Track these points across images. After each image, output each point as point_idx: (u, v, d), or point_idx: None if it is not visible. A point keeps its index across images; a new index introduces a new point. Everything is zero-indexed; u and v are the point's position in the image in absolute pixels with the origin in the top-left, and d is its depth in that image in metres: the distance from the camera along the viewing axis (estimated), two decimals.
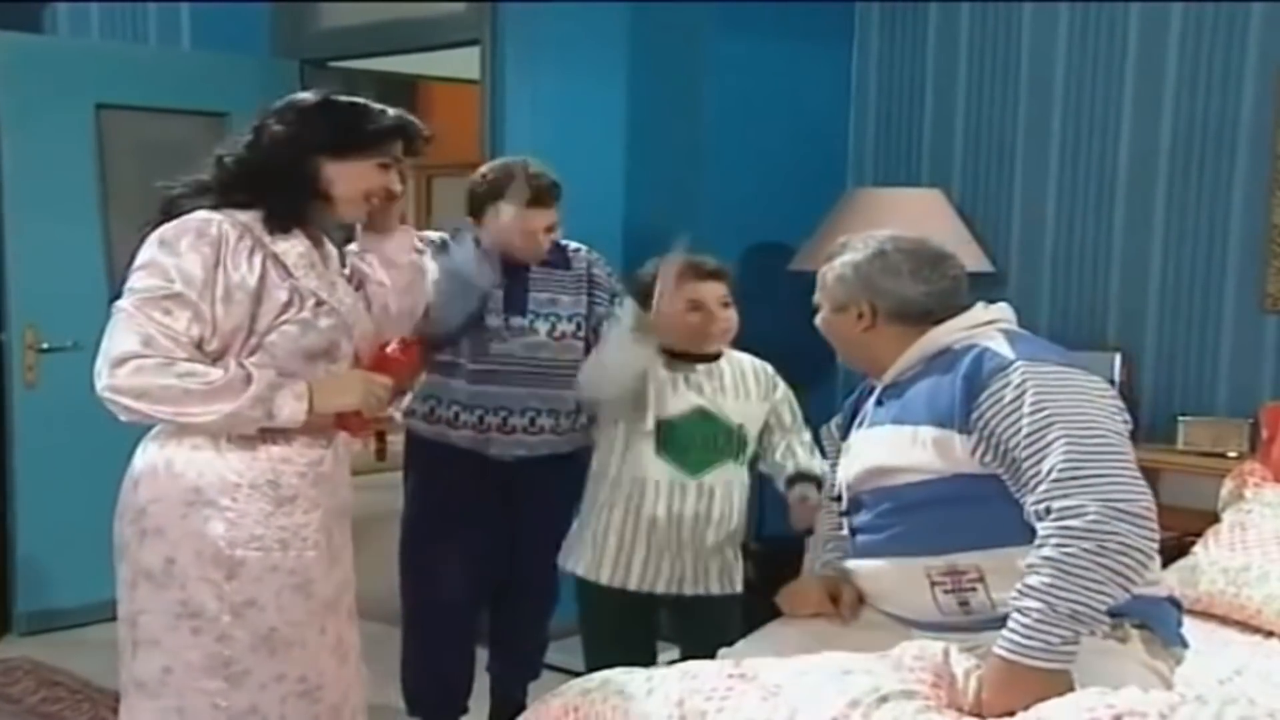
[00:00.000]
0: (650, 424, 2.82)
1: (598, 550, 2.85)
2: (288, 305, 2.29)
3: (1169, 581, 2.30)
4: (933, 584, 2.17)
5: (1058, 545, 1.96)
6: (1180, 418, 3.79)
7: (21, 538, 4.34)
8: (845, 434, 2.49)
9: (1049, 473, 2.00)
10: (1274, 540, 3.12)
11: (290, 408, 2.26)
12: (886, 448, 2.25)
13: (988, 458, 2.11)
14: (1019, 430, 2.05)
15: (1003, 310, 2.34)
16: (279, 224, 2.32)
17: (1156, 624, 2.18)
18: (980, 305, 2.33)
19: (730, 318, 2.86)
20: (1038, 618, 1.94)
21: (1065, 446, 2.00)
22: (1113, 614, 2.05)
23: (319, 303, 2.32)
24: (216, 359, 2.26)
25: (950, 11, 4.43)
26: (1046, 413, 2.04)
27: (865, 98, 4.63)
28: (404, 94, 5.79)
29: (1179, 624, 2.25)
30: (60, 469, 4.23)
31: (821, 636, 2.25)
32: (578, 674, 2.14)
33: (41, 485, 4.30)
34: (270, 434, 2.30)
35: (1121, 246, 4.12)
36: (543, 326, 3.16)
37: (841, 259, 2.37)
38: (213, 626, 2.28)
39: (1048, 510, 1.99)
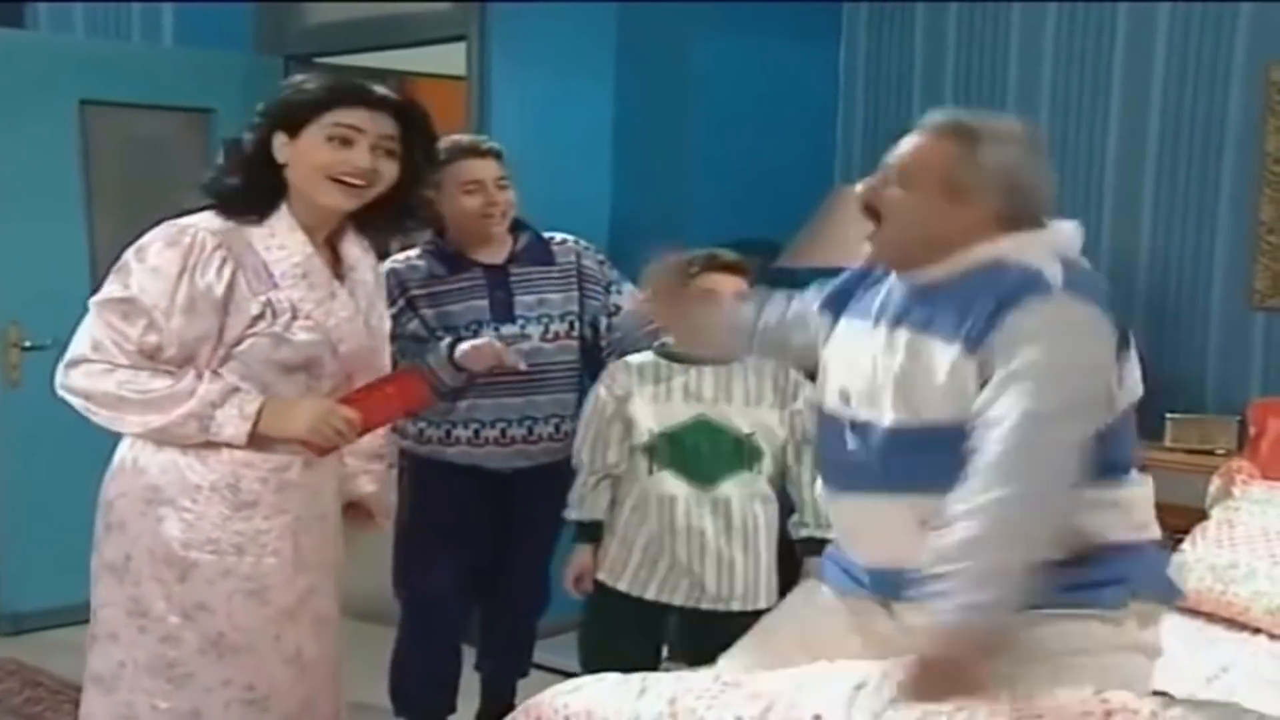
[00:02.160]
0: (645, 437, 2.74)
1: (622, 557, 2.79)
2: (258, 318, 2.24)
3: (1154, 527, 2.09)
4: (921, 524, 1.91)
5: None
6: (1168, 415, 3.78)
7: (4, 538, 4.31)
8: (835, 315, 2.22)
9: (994, 422, 1.85)
10: (1261, 537, 3.13)
11: (234, 426, 2.22)
12: (905, 368, 2.00)
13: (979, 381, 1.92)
14: (1008, 359, 1.89)
15: (1070, 234, 2.10)
16: (253, 215, 2.27)
17: (1149, 583, 2.03)
18: (1053, 224, 2.07)
19: None
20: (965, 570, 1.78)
21: (1024, 405, 1.84)
22: (1108, 583, 1.95)
23: (295, 316, 2.26)
24: (179, 367, 2.23)
25: (938, 11, 4.43)
26: (1037, 358, 1.88)
27: (853, 96, 4.63)
28: (389, 90, 5.75)
29: (1168, 567, 2.13)
30: (43, 468, 4.19)
31: (815, 640, 2.18)
32: (566, 673, 2.13)
33: (24, 485, 4.26)
34: None
35: (1109, 244, 4.12)
36: (535, 330, 3.03)
37: (993, 146, 2.00)
38: (159, 627, 2.26)
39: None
